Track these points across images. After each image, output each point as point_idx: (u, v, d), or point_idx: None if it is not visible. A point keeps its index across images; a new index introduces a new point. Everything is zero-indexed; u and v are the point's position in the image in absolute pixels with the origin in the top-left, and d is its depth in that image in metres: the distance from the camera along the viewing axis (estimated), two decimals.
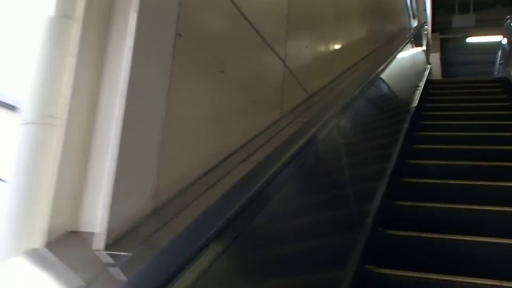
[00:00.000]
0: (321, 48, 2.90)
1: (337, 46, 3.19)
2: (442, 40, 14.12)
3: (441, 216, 2.77)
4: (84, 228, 1.30)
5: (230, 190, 1.39)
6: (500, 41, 7.69)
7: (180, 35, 1.38)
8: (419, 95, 5.36)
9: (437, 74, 14.74)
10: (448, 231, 2.49)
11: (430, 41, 12.07)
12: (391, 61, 4.11)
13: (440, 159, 3.58)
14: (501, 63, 7.22)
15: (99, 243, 1.10)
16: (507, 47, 6.83)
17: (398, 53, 4.58)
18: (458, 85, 6.81)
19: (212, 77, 1.61)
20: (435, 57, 13.68)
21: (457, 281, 2.06)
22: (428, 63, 7.76)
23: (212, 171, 1.57)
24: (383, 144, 3.52)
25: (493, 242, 2.35)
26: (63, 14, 1.30)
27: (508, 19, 6.86)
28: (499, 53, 7.85)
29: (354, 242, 2.22)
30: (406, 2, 7.58)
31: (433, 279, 2.11)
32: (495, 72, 8.34)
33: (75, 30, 1.28)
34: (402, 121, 4.27)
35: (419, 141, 4.07)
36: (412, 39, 5.94)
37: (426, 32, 7.64)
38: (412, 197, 2.95)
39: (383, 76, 3.78)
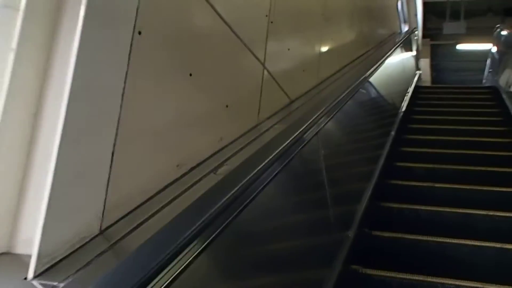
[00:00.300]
0: (307, 51, 2.77)
1: (324, 49, 3.06)
2: (432, 46, 14.10)
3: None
4: (21, 249, 1.15)
5: (191, 206, 1.25)
6: (490, 49, 7.63)
7: (140, 33, 1.23)
8: (408, 101, 5.26)
9: (427, 79, 14.72)
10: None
11: (421, 47, 12.01)
12: (379, 66, 3.99)
13: (425, 163, 3.64)
14: (490, 71, 7.15)
15: (29, 269, 0.95)
16: (496, 55, 6.77)
17: (387, 57, 4.46)
18: (448, 90, 6.74)
19: (178, 80, 1.47)
20: (426, 63, 13.64)
21: (440, 283, 2.11)
22: (418, 69, 7.66)
23: (175, 183, 1.42)
24: (370, 148, 3.40)
25: (477, 245, 2.40)
26: (5, 4, 1.15)
27: (498, 27, 6.80)
28: (488, 61, 7.79)
29: (340, 242, 2.23)
30: (397, 6, 7.48)
31: (417, 280, 2.15)
32: (484, 81, 8.28)
33: (19, 22, 1.13)
34: (389, 126, 4.16)
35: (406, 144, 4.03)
36: (402, 44, 5.83)
37: (416, 37, 7.54)
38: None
39: (371, 80, 3.66)
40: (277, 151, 1.68)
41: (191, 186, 1.41)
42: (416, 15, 9.89)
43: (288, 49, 2.42)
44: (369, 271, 2.25)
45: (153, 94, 1.33)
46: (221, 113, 1.74)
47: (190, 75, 1.51)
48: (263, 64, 2.08)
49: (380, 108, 4.05)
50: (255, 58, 2.00)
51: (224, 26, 1.72)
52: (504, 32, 6.08)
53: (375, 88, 3.90)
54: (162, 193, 1.36)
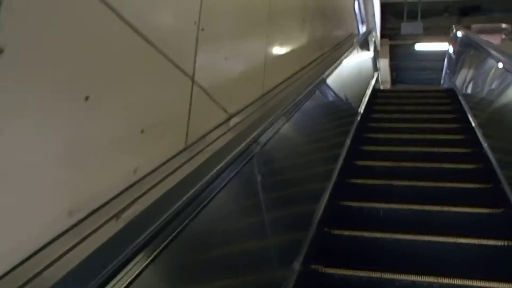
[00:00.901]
0: (249, 59, 2.52)
1: (270, 55, 2.82)
2: (392, 46, 14.13)
3: None
4: None
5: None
6: (447, 50, 7.57)
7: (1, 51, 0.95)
8: (365, 105, 5.09)
9: (387, 79, 14.77)
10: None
11: (379, 47, 11.99)
12: (333, 70, 3.79)
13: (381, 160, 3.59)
14: (447, 73, 7.08)
15: None
16: (453, 56, 6.71)
17: (342, 61, 4.27)
18: (406, 94, 6.63)
19: (69, 105, 1.19)
20: (385, 63, 13.66)
21: (396, 279, 2.21)
22: (376, 70, 7.55)
23: (65, 235, 1.15)
24: (322, 161, 3.18)
25: (434, 240, 2.49)
26: None
27: (453, 28, 6.73)
28: (446, 62, 7.74)
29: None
30: (354, 7, 7.34)
31: (374, 277, 2.24)
32: (442, 81, 8.24)
33: None
34: (344, 135, 3.97)
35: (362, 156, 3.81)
36: (359, 46, 5.67)
37: (374, 38, 7.42)
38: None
39: (324, 86, 3.45)
40: (199, 185, 1.42)
41: (85, 238, 1.14)
42: (373, 15, 9.83)
43: (226, 58, 2.17)
44: (330, 270, 2.29)
45: (27, 127, 1.05)
46: (134, 140, 1.47)
47: (87, 98, 1.23)
48: (191, 78, 1.81)
49: (334, 116, 3.84)
50: (180, 72, 1.73)
51: (134, 37, 1.45)
52: (459, 33, 5.99)
53: (328, 94, 3.70)
54: (45, 251, 1.09)
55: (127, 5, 1.41)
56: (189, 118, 1.80)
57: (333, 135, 3.74)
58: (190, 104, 1.81)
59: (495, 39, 5.81)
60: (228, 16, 2.20)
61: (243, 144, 1.77)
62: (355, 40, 6.05)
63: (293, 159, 2.58)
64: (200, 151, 1.69)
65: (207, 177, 1.45)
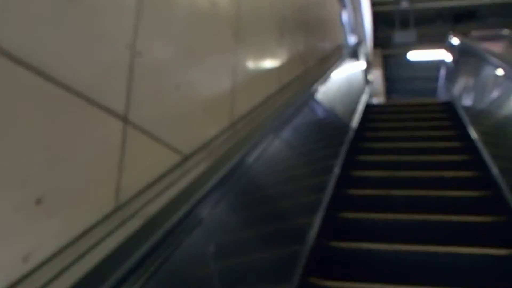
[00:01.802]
0: (210, 83, 2.11)
1: (241, 76, 2.42)
2: (384, 56, 13.78)
3: None
4: None
5: None
6: (443, 59, 7.19)
7: None
8: (355, 124, 4.68)
9: (380, 90, 14.42)
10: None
11: (371, 58, 11.64)
12: (316, 89, 3.39)
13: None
14: (445, 84, 6.68)
15: None
16: (451, 66, 6.32)
17: (327, 77, 3.87)
18: (401, 108, 6.24)
19: None
20: (378, 74, 13.30)
21: None
22: (368, 83, 7.15)
23: None
24: (305, 201, 2.77)
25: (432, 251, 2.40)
26: None
27: (451, 35, 6.35)
28: (442, 71, 7.35)
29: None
30: (341, 16, 6.97)
31: None
32: (438, 91, 7.85)
33: None
34: (333, 159, 3.56)
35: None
36: (348, 58, 5.28)
37: (364, 50, 7.03)
38: None
39: (307, 107, 3.06)
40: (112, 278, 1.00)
41: None
42: (364, 25, 9.47)
43: (177, 87, 1.75)
44: (328, 283, 2.24)
45: None
46: (25, 215, 1.06)
47: None
48: (123, 118, 1.40)
49: (320, 141, 3.43)
50: (103, 111, 1.32)
51: (23, 72, 1.04)
52: (458, 41, 5.58)
53: (311, 118, 3.30)
54: None
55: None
56: (120, 169, 1.38)
57: (319, 162, 3.33)
58: (122, 152, 1.39)
59: (497, 47, 5.43)
60: (178, 33, 1.80)
61: (188, 205, 1.35)
62: (343, 52, 5.66)
63: (268, 203, 2.17)
64: (135, 214, 1.28)
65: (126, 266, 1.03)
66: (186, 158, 1.79)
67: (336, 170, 3.33)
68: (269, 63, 2.94)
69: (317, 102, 3.43)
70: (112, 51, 1.38)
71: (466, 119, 4.41)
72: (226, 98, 2.22)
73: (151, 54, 1.56)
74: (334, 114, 4.02)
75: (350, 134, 4.39)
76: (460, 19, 11.99)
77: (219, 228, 1.55)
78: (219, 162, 1.78)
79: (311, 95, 3.16)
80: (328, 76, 3.89)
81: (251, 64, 2.59)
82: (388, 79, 15.41)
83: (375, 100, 10.10)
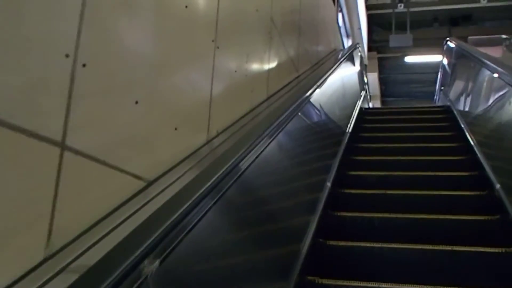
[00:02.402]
0: (180, 97, 1.83)
1: (220, 87, 2.15)
2: (380, 59, 13.57)
3: None
4: None
5: None
6: (441, 62, 6.93)
7: None
8: (349, 133, 4.43)
9: (376, 93, 14.22)
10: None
11: (367, 61, 11.41)
12: (309, 98, 3.14)
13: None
14: (442, 89, 6.43)
15: None
16: (448, 71, 6.07)
17: (321, 83, 3.63)
18: (397, 110, 6.00)
19: None
20: (373, 77, 13.09)
21: None
22: (363, 88, 6.90)
23: None
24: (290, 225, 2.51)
25: (429, 249, 2.41)
26: None
27: (449, 40, 6.11)
28: (439, 77, 7.10)
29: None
30: (337, 20, 6.72)
31: (372, 287, 2.17)
32: (436, 97, 7.62)
33: None
34: (324, 174, 3.31)
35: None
36: (343, 62, 5.03)
37: (360, 53, 6.79)
38: None
39: (296, 119, 2.80)
40: None
41: None
42: (359, 28, 9.23)
43: (137, 102, 1.48)
44: (326, 281, 2.23)
45: None
46: None
47: None
48: (60, 144, 1.13)
49: (311, 152, 3.17)
50: (33, 138, 1.05)
51: None
52: (456, 46, 5.33)
53: (302, 128, 3.04)
54: None
55: None
56: (53, 208, 1.11)
57: (308, 178, 3.08)
58: (57, 184, 1.12)
59: (495, 52, 5.18)
60: (138, 38, 1.53)
61: (141, 250, 1.09)
62: (339, 56, 5.40)
63: (245, 236, 1.92)
64: (55, 275, 1.01)
65: None
66: (149, 184, 1.52)
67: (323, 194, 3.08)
68: (255, 70, 2.68)
69: (309, 112, 3.17)
70: (46, 62, 1.11)
71: (465, 126, 4.21)
72: (202, 112, 1.96)
73: (99, 65, 1.29)
74: (327, 123, 3.77)
75: (345, 140, 4.16)
76: (456, 22, 11.79)
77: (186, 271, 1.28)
78: (187, 189, 1.52)
79: (301, 105, 2.90)
80: (322, 83, 3.64)
81: (233, 72, 2.32)
82: (384, 82, 15.22)
83: (371, 105, 9.87)
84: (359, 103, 5.73)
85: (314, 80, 3.53)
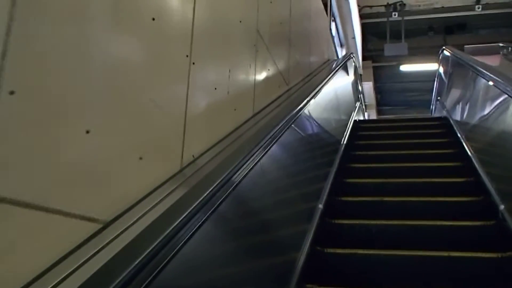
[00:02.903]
0: (144, 122, 1.61)
1: (196, 107, 1.94)
2: (375, 68, 13.40)
3: None
4: None
5: None
6: (437, 72, 6.73)
7: None
8: (343, 149, 4.22)
9: (371, 103, 14.04)
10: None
11: (361, 71, 11.24)
12: (298, 114, 2.94)
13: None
14: (438, 99, 6.24)
15: None
16: (445, 81, 5.88)
17: (312, 98, 3.43)
18: (394, 124, 5.79)
19: None
20: (368, 86, 12.93)
21: None
22: (358, 100, 6.70)
23: None
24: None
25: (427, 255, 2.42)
26: None
27: (445, 49, 5.92)
28: (435, 86, 6.90)
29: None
30: (330, 30, 6.53)
31: None
32: (432, 107, 7.42)
33: None
34: (315, 198, 3.09)
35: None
36: (336, 74, 4.83)
37: (354, 63, 6.60)
38: None
39: (284, 138, 2.59)
40: None
41: None
42: (354, 37, 9.06)
43: (87, 132, 1.26)
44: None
45: None
46: None
47: None
48: None
49: (299, 176, 2.95)
50: None
51: None
52: (453, 55, 5.13)
53: (293, 144, 2.84)
54: None
55: None
56: None
57: (298, 203, 2.86)
58: None
59: (493, 60, 5.00)
60: (90, 56, 1.31)
61: None
62: (333, 67, 5.21)
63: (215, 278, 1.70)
64: None
65: None
66: (106, 226, 1.30)
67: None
68: (239, 86, 2.47)
69: (299, 130, 2.96)
70: None
71: (463, 136, 4.02)
72: (174, 136, 1.74)
73: (33, 91, 1.07)
74: (318, 140, 3.56)
75: (340, 151, 3.94)
76: (451, 31, 11.66)
77: None
78: (150, 230, 1.31)
79: (290, 123, 2.69)
80: (313, 96, 3.44)
81: (212, 90, 2.11)
82: (380, 91, 15.05)
83: (366, 115, 9.67)
84: (354, 116, 5.53)
85: (305, 94, 3.33)
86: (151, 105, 1.58)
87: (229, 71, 2.32)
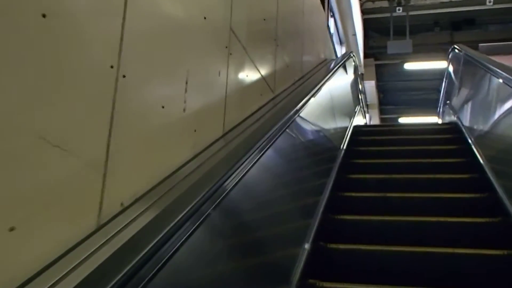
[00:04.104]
0: (39, 164, 1.10)
1: (125, 135, 1.42)
2: (377, 66, 12.84)
3: None
4: None
5: None
6: (446, 72, 6.17)
7: None
8: (339, 164, 3.69)
9: (373, 102, 13.52)
10: None
11: (362, 70, 10.69)
12: (282, 129, 2.43)
13: None
14: (447, 103, 5.68)
15: None
16: (456, 83, 5.33)
17: (303, 107, 2.91)
18: (400, 129, 5.26)
19: None
20: (370, 85, 12.40)
21: None
22: (358, 103, 6.16)
23: None
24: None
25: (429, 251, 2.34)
26: None
27: (454, 47, 5.37)
28: (443, 88, 6.35)
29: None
30: (328, 27, 5.98)
31: None
32: (439, 109, 6.88)
33: None
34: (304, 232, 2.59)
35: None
36: (334, 76, 4.30)
37: (354, 63, 6.05)
38: None
39: (265, 158, 2.09)
40: None
41: None
42: (354, 34, 8.50)
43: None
44: (327, 284, 2.15)
45: None
46: None
47: None
48: None
49: (291, 195, 2.44)
50: None
51: None
52: (468, 54, 4.56)
53: (272, 172, 2.33)
54: None
55: None
56: None
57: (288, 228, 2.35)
58: None
59: (510, 61, 4.45)
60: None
61: None
62: (330, 67, 4.67)
63: None
64: None
65: None
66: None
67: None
68: (201, 101, 1.95)
69: (281, 152, 2.44)
70: None
71: (476, 146, 3.48)
72: (87, 181, 1.23)
73: None
74: (306, 162, 3.03)
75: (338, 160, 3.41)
76: (459, 27, 11.09)
77: None
78: None
79: (270, 142, 2.17)
80: (304, 107, 2.91)
81: (158, 109, 1.60)
82: (382, 90, 14.51)
83: (367, 117, 9.14)
84: (353, 122, 4.99)
85: (293, 103, 2.80)
86: (41, 144, 1.06)
87: (186, 82, 1.80)
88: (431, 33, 11.30)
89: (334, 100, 4.20)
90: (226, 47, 2.25)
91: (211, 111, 2.04)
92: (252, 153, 1.89)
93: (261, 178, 2.08)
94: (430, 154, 3.81)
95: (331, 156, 3.65)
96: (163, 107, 1.62)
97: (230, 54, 2.29)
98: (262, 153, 2.02)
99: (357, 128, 5.02)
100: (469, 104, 4.34)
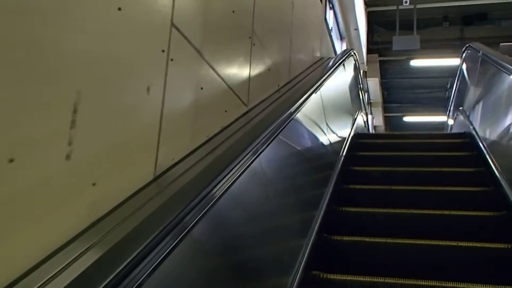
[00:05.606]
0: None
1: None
2: (382, 62, 12.10)
3: None
4: None
5: None
6: (458, 74, 5.47)
7: None
8: (335, 180, 3.04)
9: (377, 100, 12.86)
10: None
11: (365, 68, 9.99)
12: (266, 142, 1.84)
13: None
14: (460, 109, 4.97)
15: None
16: (471, 87, 4.64)
17: (290, 116, 2.30)
18: (405, 141, 4.58)
19: None
20: (374, 83, 11.70)
21: (400, 284, 2.04)
22: (359, 107, 5.47)
23: None
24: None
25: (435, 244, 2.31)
26: None
27: (469, 46, 4.69)
28: (454, 91, 5.65)
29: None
30: (326, 21, 5.26)
31: (376, 282, 2.08)
32: (448, 113, 6.19)
33: None
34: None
35: None
36: (329, 78, 3.63)
37: (355, 62, 5.35)
38: None
39: (246, 176, 1.51)
40: None
41: None
42: (357, 29, 7.78)
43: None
44: (330, 276, 2.12)
45: None
46: None
47: None
48: None
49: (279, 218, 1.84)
50: None
51: None
52: (487, 55, 3.85)
53: (252, 190, 1.69)
54: None
55: None
56: None
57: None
58: None
59: None
60: None
61: None
62: (326, 68, 3.99)
63: None
64: None
65: None
66: None
67: None
68: (108, 135, 1.29)
69: (247, 188, 1.78)
70: None
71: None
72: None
73: None
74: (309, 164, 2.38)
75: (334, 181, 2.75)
76: (470, 21, 10.35)
77: None
78: None
79: (230, 181, 1.51)
80: (291, 116, 2.27)
81: (4, 163, 0.93)
82: (387, 88, 13.80)
83: (369, 118, 8.46)
84: (351, 133, 4.31)
85: (269, 121, 2.13)
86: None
87: (75, 110, 1.14)
88: (439, 28, 10.57)
89: (328, 109, 3.51)
90: (163, 50, 1.58)
91: (128, 148, 1.37)
92: (192, 210, 1.25)
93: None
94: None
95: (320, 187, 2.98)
96: (11, 160, 0.95)
97: (171, 60, 1.62)
98: (209, 202, 1.36)
99: (356, 140, 4.33)
100: (489, 116, 3.65)
